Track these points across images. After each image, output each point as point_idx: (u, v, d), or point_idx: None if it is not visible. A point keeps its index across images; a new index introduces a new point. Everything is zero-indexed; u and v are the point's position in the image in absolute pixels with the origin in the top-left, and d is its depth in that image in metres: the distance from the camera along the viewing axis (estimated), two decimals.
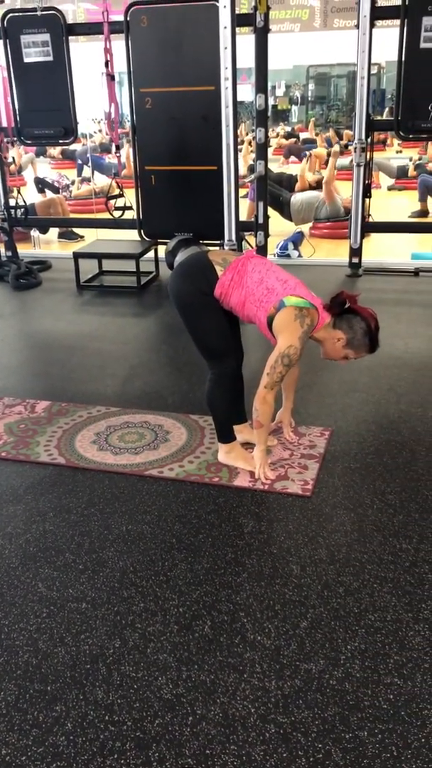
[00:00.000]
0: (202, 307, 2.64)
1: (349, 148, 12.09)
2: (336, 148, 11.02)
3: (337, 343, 2.63)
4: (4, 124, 6.04)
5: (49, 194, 9.71)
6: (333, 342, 2.64)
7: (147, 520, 2.52)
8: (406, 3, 4.96)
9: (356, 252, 5.72)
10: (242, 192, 6.79)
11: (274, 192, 7.58)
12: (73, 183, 10.09)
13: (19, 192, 6.25)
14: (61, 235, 8.24)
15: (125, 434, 3.15)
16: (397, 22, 5.06)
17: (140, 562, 2.30)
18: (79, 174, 12.05)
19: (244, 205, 7.59)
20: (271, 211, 6.50)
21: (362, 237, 5.71)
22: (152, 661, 1.89)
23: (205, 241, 5.58)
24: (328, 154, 10.11)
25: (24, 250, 6.87)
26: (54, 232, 8.30)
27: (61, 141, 6.13)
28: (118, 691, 1.80)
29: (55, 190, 9.93)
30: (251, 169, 7.39)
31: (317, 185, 8.88)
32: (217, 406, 2.77)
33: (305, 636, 1.96)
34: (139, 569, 2.26)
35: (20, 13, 5.68)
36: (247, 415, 3.01)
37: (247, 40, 5.51)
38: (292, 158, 13.54)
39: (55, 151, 14.89)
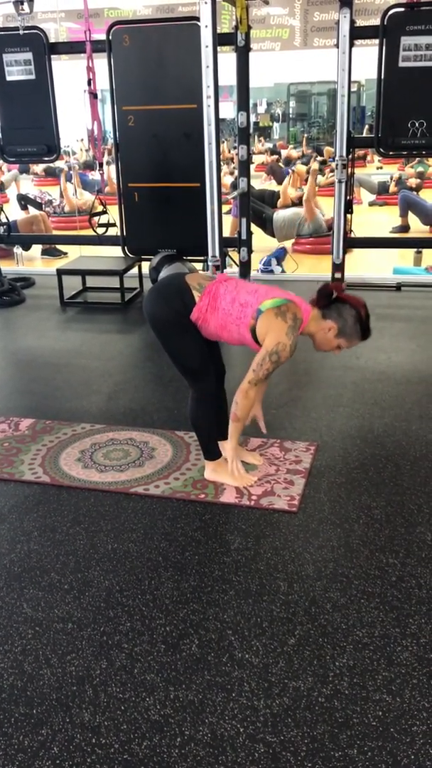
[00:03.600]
0: (178, 329, 2.64)
1: (330, 164, 12.24)
2: (315, 165, 11.13)
3: (328, 333, 2.62)
4: None
5: (33, 211, 9.71)
6: (324, 333, 2.62)
7: (133, 538, 2.50)
8: (385, 23, 5.04)
9: (338, 267, 5.76)
10: (225, 208, 6.82)
11: (256, 208, 7.63)
12: (51, 203, 10.07)
13: (1, 209, 6.23)
14: (44, 252, 8.23)
15: (110, 451, 3.13)
16: (377, 41, 5.13)
17: (126, 581, 2.28)
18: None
19: (228, 222, 7.63)
20: (254, 228, 6.54)
21: (344, 252, 5.75)
22: (139, 682, 1.87)
23: (189, 257, 5.60)
24: (308, 171, 10.21)
25: (7, 267, 6.85)
26: (37, 248, 8.29)
27: (44, 158, 6.13)
28: (105, 712, 1.78)
29: (38, 206, 9.93)
30: (234, 185, 7.43)
31: (299, 201, 8.96)
32: (200, 425, 2.77)
33: (293, 653, 1.95)
34: (125, 588, 2.24)
35: (2, 32, 5.70)
36: None
37: (228, 58, 5.58)
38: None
39: (38, 168, 14.91)
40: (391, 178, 11.30)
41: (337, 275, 5.78)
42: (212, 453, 2.83)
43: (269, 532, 2.51)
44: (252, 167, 8.40)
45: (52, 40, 5.86)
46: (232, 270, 6.14)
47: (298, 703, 1.79)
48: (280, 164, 14.24)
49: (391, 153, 5.60)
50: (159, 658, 1.95)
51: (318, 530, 2.51)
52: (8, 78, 5.66)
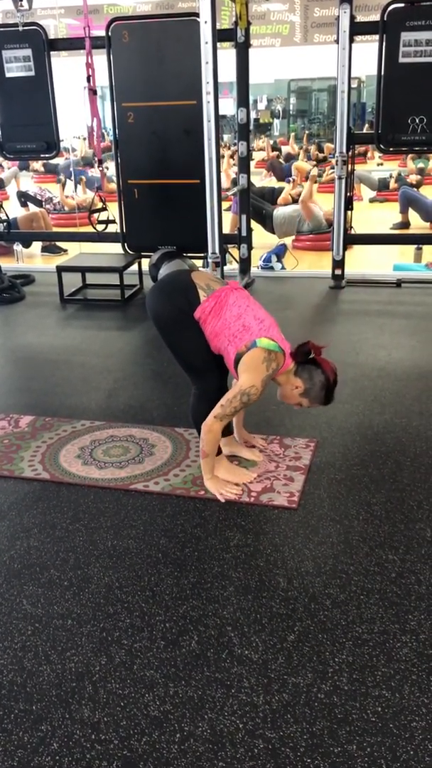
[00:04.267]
0: (182, 326, 2.64)
1: (330, 160, 12.22)
2: (314, 171, 11.09)
3: (294, 390, 2.65)
4: None
5: (33, 208, 9.70)
6: (291, 388, 2.65)
7: (132, 535, 2.50)
8: (385, 19, 5.02)
9: (339, 264, 5.76)
10: (225, 205, 6.81)
11: (256, 205, 7.62)
12: (51, 200, 10.06)
13: (1, 206, 6.23)
14: (44, 249, 8.23)
15: (110, 448, 3.13)
16: (377, 37, 5.12)
17: (126, 577, 2.28)
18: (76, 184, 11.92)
19: (227, 218, 7.62)
20: (253, 224, 6.54)
21: (344, 249, 5.75)
22: (139, 678, 1.87)
23: (189, 254, 5.59)
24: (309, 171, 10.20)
25: (7, 264, 6.85)
26: (37, 246, 8.29)
27: (43, 155, 6.13)
28: (104, 709, 1.78)
29: (38, 203, 9.93)
30: (234, 182, 7.43)
31: (299, 198, 8.95)
32: (201, 421, 2.76)
33: (293, 649, 1.96)
34: (124, 585, 2.24)
35: (1, 29, 5.69)
36: (232, 427, 3.01)
37: (228, 54, 5.56)
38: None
39: (38, 165, 14.89)
40: (391, 175, 11.28)
41: (337, 271, 5.78)
42: None
43: (269, 529, 2.51)
44: (252, 164, 8.38)
45: (51, 36, 5.85)
46: (232, 267, 6.14)
47: (297, 699, 1.79)
48: (281, 161, 14.23)
49: (391, 149, 5.59)
50: (158, 655, 1.95)
51: (317, 527, 2.51)
52: (7, 75, 5.65)
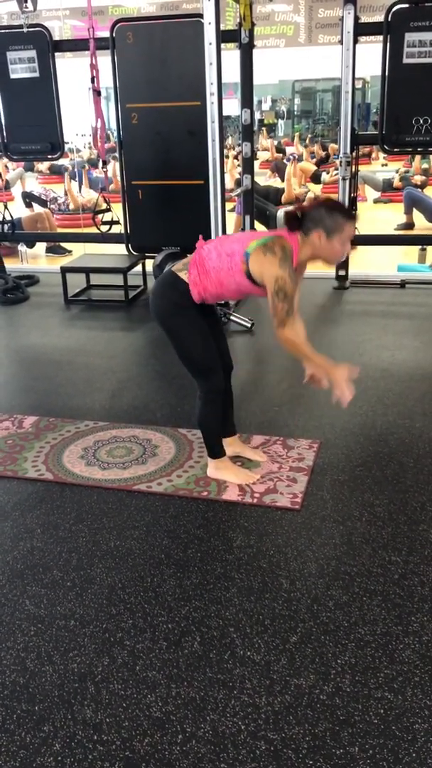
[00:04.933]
0: (183, 323, 2.63)
1: (333, 161, 12.21)
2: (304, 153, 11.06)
3: (322, 242, 2.47)
4: None
5: (37, 209, 9.72)
6: (318, 245, 2.48)
7: (135, 536, 2.50)
8: (389, 20, 5.02)
9: (343, 264, 5.75)
10: (229, 206, 6.81)
11: (260, 206, 7.61)
12: (55, 200, 10.07)
13: (5, 207, 6.24)
14: (48, 250, 8.24)
15: (113, 449, 3.13)
16: (381, 37, 5.12)
17: (128, 578, 2.28)
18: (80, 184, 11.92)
19: (231, 219, 7.62)
20: (258, 225, 6.54)
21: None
22: (141, 679, 1.88)
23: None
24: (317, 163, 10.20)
25: (11, 264, 6.86)
26: (41, 246, 8.30)
27: (48, 156, 6.14)
28: (106, 709, 1.78)
29: (43, 203, 9.95)
30: (238, 183, 7.43)
31: (304, 199, 8.94)
32: (206, 423, 2.76)
33: (295, 651, 1.95)
34: (127, 585, 2.24)
35: (6, 30, 5.70)
36: (236, 427, 3.01)
37: (232, 55, 5.57)
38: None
39: (43, 166, 14.91)
40: (397, 174, 11.25)
41: (341, 272, 5.77)
42: (216, 452, 2.82)
43: (272, 530, 2.51)
44: (256, 164, 8.37)
45: (56, 37, 5.86)
46: None
47: (299, 700, 1.79)
48: (285, 161, 14.22)
49: (395, 150, 5.58)
50: (161, 655, 1.95)
51: (321, 528, 2.51)
52: (12, 76, 5.67)
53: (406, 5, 5.02)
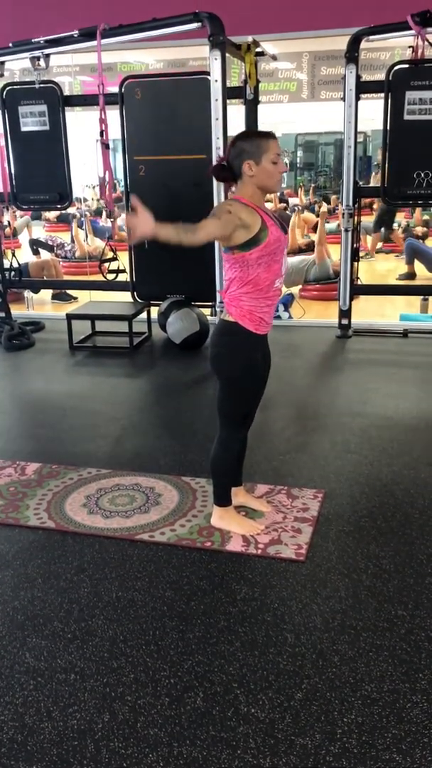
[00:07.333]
0: (242, 366, 2.60)
1: (336, 212, 12.42)
2: (324, 208, 11.29)
3: (254, 170, 2.44)
4: (0, 189, 6.17)
5: (44, 255, 9.85)
6: (253, 175, 2.45)
7: (137, 587, 2.47)
8: (390, 78, 5.17)
9: (345, 313, 5.80)
10: None
11: None
12: (62, 246, 10.23)
13: (13, 254, 6.34)
14: (54, 297, 8.33)
15: (116, 497, 3.11)
16: (382, 94, 5.26)
17: (130, 630, 2.24)
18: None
19: None
20: None
21: (351, 299, 5.80)
22: (142, 737, 1.83)
23: (197, 303, 5.65)
24: (317, 215, 10.37)
25: (17, 311, 6.92)
26: (47, 292, 8.39)
27: (56, 206, 6.26)
28: None
29: (50, 249, 10.09)
30: None
31: (307, 248, 9.07)
32: (220, 468, 2.75)
33: (300, 708, 1.91)
34: (129, 638, 2.20)
35: (19, 86, 5.88)
36: (240, 479, 2.99)
37: (238, 108, 5.72)
38: None
39: (50, 214, 15.16)
40: (399, 226, 11.43)
41: (344, 321, 5.82)
42: (224, 499, 2.80)
43: (276, 582, 2.47)
44: None
45: (66, 92, 6.04)
46: None
47: (305, 761, 1.74)
48: (288, 212, 14.46)
49: (397, 202, 5.67)
50: (163, 712, 1.91)
51: (326, 580, 2.48)
52: (23, 129, 5.81)
53: (407, 65, 5.18)
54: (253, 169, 2.44)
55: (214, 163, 2.50)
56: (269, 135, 2.49)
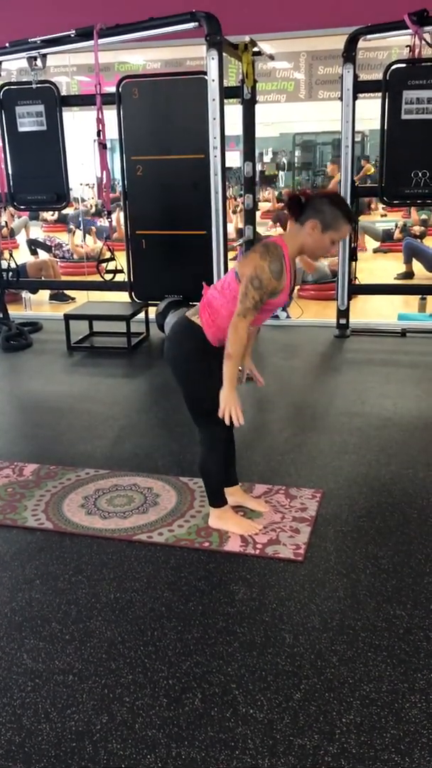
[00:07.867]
0: (198, 369, 2.61)
1: None
2: None
3: (314, 233, 2.42)
4: None
5: (42, 255, 9.83)
6: (310, 236, 2.43)
7: (135, 588, 2.46)
8: (387, 78, 5.17)
9: (344, 313, 5.80)
10: (231, 255, 6.89)
11: None
12: (60, 246, 10.21)
13: (11, 255, 6.33)
14: (52, 297, 8.32)
15: (114, 497, 3.11)
16: (379, 93, 5.26)
17: (128, 631, 2.24)
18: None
19: None
20: None
21: (349, 299, 5.80)
22: (140, 738, 1.82)
23: (195, 303, 5.64)
24: None
25: (15, 311, 6.92)
26: (45, 293, 8.38)
27: (53, 206, 6.25)
28: None
29: (48, 249, 10.07)
30: (240, 232, 7.55)
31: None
32: (209, 471, 2.74)
33: (299, 708, 1.90)
34: (127, 639, 2.20)
35: (16, 86, 5.87)
36: (237, 477, 2.99)
37: (235, 108, 5.72)
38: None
39: (48, 214, 15.14)
40: (396, 226, 11.43)
41: (342, 321, 5.82)
42: (218, 500, 2.80)
43: (274, 582, 2.47)
44: (258, 214, 8.51)
45: (64, 92, 6.03)
46: None
47: (303, 762, 1.74)
48: (286, 212, 14.46)
49: (395, 202, 5.68)
50: (161, 713, 1.90)
51: (324, 580, 2.47)
52: (20, 129, 5.80)
53: (404, 65, 5.18)
54: (316, 232, 2.43)
55: (299, 194, 2.50)
56: (351, 220, 2.50)
